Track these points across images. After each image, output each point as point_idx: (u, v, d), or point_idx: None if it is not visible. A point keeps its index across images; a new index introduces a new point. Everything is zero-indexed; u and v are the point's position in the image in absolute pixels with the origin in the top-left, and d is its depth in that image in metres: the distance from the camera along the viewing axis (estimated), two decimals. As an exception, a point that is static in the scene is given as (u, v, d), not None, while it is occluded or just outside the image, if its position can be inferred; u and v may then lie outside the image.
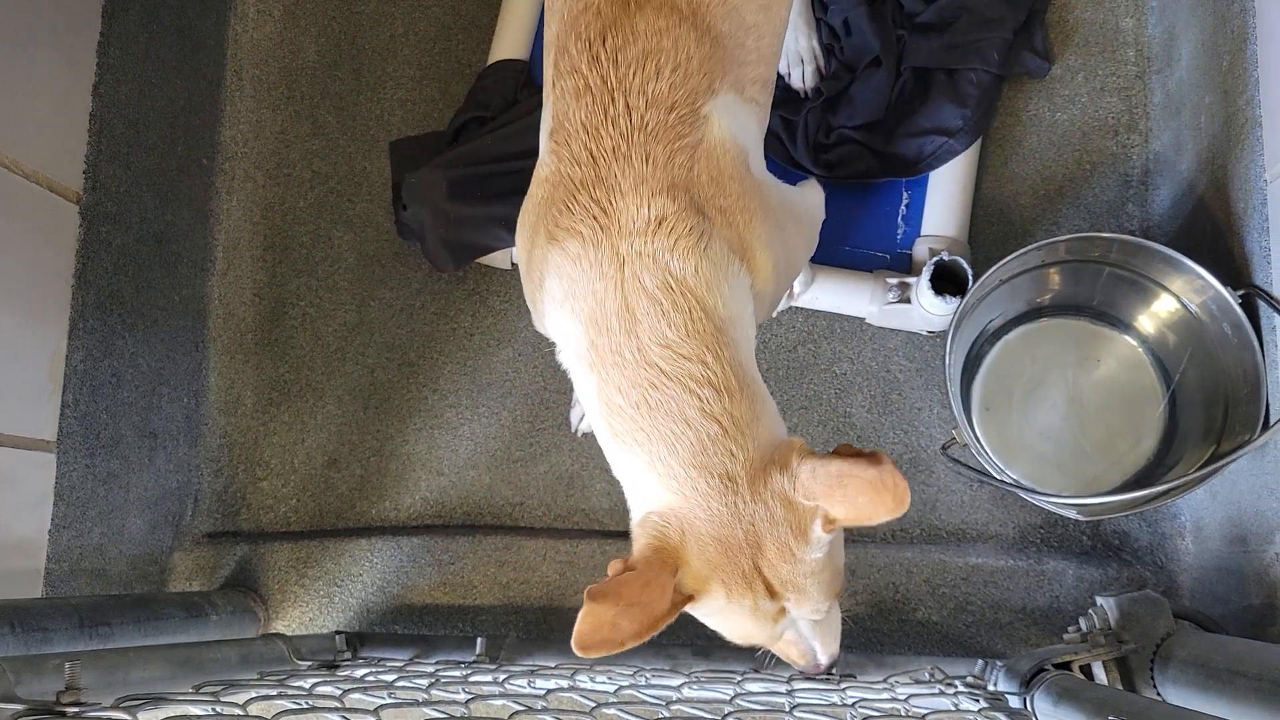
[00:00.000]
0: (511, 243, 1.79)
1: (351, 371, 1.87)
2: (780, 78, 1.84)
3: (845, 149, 1.79)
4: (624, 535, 1.76)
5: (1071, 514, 1.62)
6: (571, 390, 1.82)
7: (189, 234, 1.86)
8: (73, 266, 1.57)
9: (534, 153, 1.85)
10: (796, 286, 1.74)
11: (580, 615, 0.97)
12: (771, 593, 1.07)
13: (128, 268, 1.69)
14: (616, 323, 1.09)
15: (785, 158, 1.81)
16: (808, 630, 1.14)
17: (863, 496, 1.01)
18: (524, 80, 1.88)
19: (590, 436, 1.81)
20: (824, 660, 1.16)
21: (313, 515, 1.83)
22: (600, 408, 1.12)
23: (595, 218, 1.11)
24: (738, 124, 1.20)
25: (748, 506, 1.05)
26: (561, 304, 1.14)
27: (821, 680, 1.43)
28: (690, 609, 1.07)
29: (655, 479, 1.08)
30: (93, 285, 1.61)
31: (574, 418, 1.81)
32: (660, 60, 1.15)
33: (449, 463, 1.83)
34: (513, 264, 1.85)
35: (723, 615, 1.09)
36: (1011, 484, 1.55)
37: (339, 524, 1.83)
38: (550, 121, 1.20)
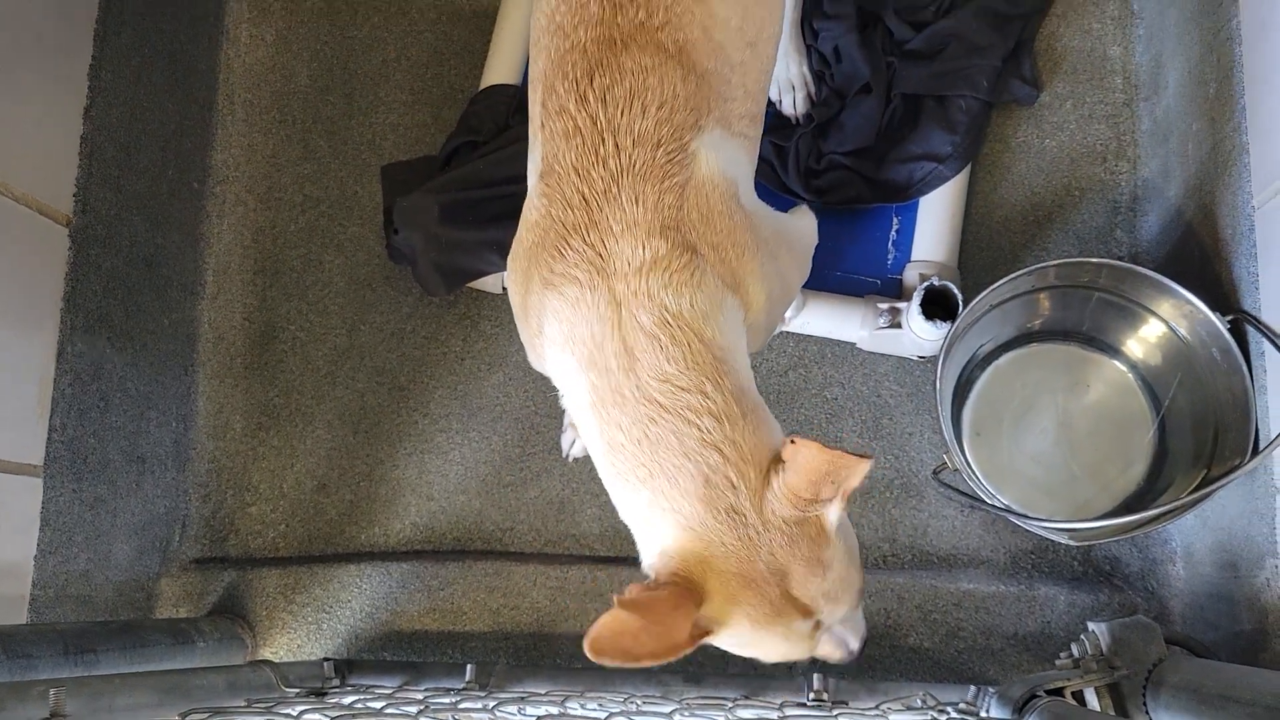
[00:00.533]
0: (502, 267, 1.79)
1: (341, 396, 1.86)
2: (771, 104, 1.86)
3: (836, 175, 1.80)
4: (615, 560, 1.76)
5: (1063, 539, 1.62)
6: (562, 415, 1.82)
7: (179, 257, 1.86)
8: (62, 290, 1.57)
9: (525, 178, 1.85)
10: (788, 312, 1.75)
11: (603, 619, 0.96)
12: (805, 612, 1.07)
13: (117, 291, 1.68)
14: (615, 362, 1.10)
15: (777, 183, 1.82)
16: (839, 627, 1.14)
17: (827, 469, 1.02)
18: (516, 105, 1.89)
19: (581, 461, 1.80)
20: (857, 646, 1.18)
21: (301, 541, 1.82)
22: (603, 448, 1.12)
23: (591, 262, 1.12)
24: (726, 158, 1.21)
25: (762, 536, 1.05)
26: (562, 348, 1.14)
27: (814, 706, 1.42)
28: (713, 641, 1.06)
29: (661, 515, 1.08)
30: (82, 309, 1.60)
31: (565, 443, 1.81)
32: (646, 98, 1.15)
33: (439, 487, 1.82)
34: (504, 288, 1.85)
35: (753, 645, 1.09)
36: (1003, 509, 1.55)
37: (328, 549, 1.81)
38: (540, 164, 1.20)
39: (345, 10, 2.02)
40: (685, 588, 1.03)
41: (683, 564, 1.06)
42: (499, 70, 1.91)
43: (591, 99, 1.16)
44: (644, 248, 1.11)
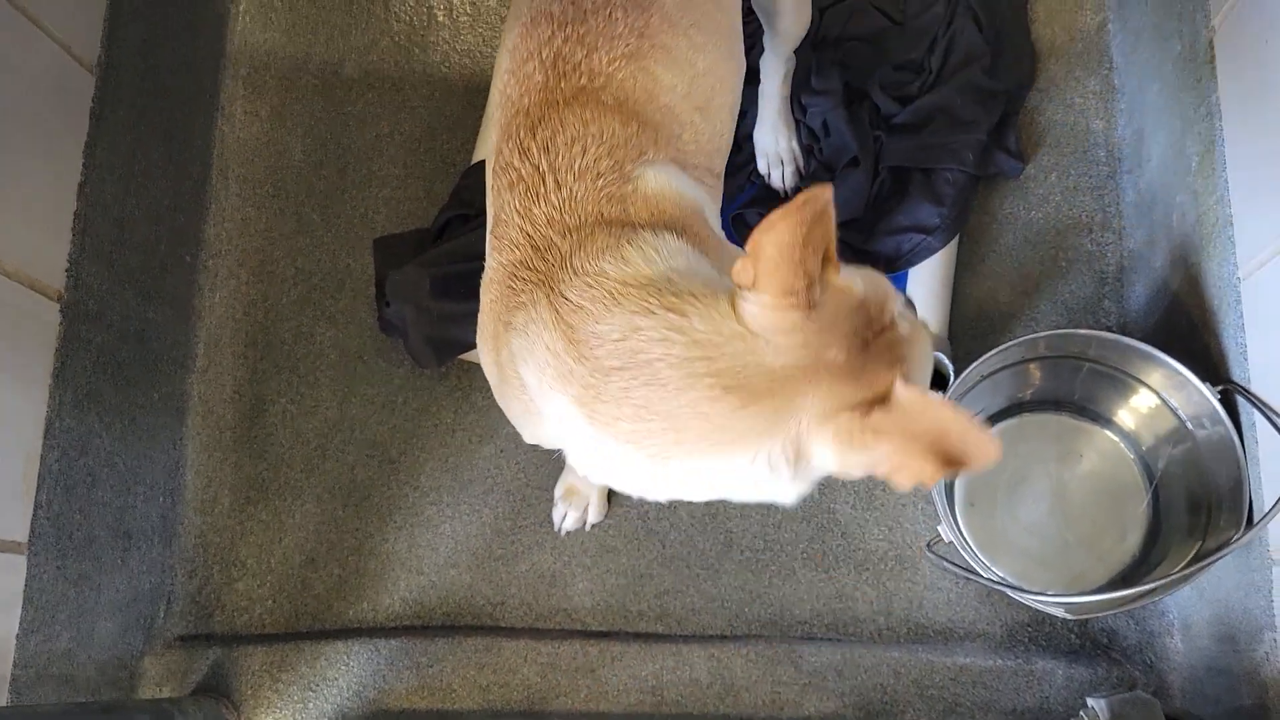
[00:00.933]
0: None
1: (331, 469, 1.85)
2: (760, 177, 1.88)
3: (826, 248, 1.81)
4: (607, 635, 1.74)
5: (1059, 612, 1.60)
6: (553, 487, 1.81)
7: (170, 331, 1.86)
8: (51, 365, 1.56)
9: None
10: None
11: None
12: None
13: (107, 366, 1.68)
14: (570, 358, 1.03)
15: None
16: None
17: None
18: (508, 179, 1.90)
19: (572, 534, 1.79)
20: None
21: (288, 617, 1.79)
22: (641, 458, 1.02)
23: (536, 284, 1.09)
24: (681, 182, 1.20)
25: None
26: (539, 388, 1.08)
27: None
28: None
29: (730, 452, 0.97)
30: (71, 384, 1.59)
31: (556, 517, 1.79)
32: (587, 141, 1.17)
33: (429, 561, 1.80)
34: (495, 360, 1.85)
35: None
36: (998, 582, 1.54)
37: (315, 626, 1.79)
38: (490, 222, 1.22)
39: (339, 86, 2.05)
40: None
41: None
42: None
43: (534, 150, 1.17)
44: (579, 241, 1.09)
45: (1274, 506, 1.35)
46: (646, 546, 1.79)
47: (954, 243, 1.83)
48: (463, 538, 1.81)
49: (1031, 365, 1.68)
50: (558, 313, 1.05)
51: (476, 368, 1.88)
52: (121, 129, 1.74)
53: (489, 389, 1.86)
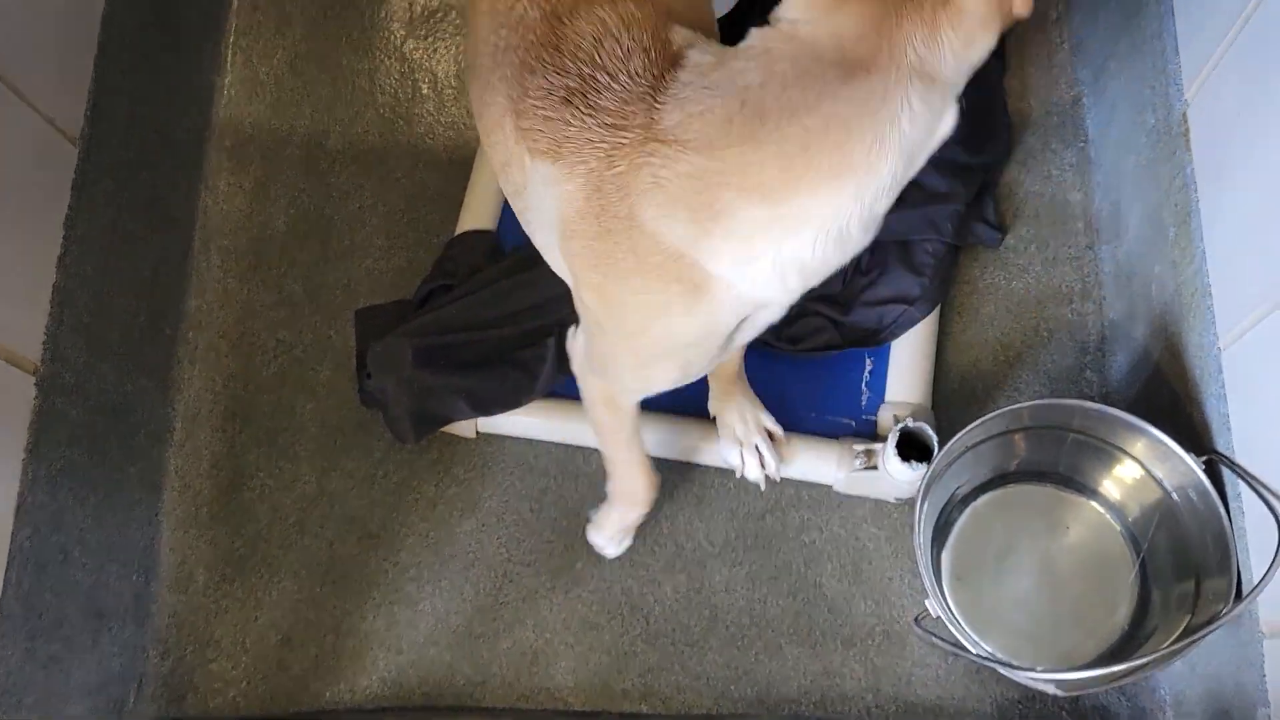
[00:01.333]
0: (473, 414, 1.79)
1: (310, 545, 1.82)
2: None
3: (807, 321, 1.82)
4: (591, 715, 1.70)
5: (1050, 689, 1.58)
6: (535, 560, 1.78)
7: (148, 404, 1.84)
8: (25, 440, 1.53)
9: (499, 322, 1.87)
10: (769, 462, 1.73)
11: None
12: None
13: (83, 440, 1.65)
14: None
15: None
16: None
17: None
18: (491, 249, 1.91)
19: (557, 607, 1.75)
20: None
21: (264, 699, 1.75)
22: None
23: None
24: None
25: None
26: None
27: None
28: None
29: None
30: (45, 459, 1.57)
31: (599, 539, 1.75)
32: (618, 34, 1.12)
33: (408, 639, 1.76)
34: (477, 433, 1.84)
35: None
36: (987, 658, 1.51)
37: (291, 708, 1.74)
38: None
39: (324, 159, 2.06)
40: None
41: None
42: (475, 215, 1.94)
43: (568, 63, 1.13)
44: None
45: (1263, 579, 1.34)
46: (630, 623, 1.76)
47: (935, 313, 1.84)
48: (443, 615, 1.77)
49: (1016, 436, 1.68)
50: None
51: (459, 441, 1.86)
52: (103, 201, 1.74)
53: (470, 462, 1.86)
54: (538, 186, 1.16)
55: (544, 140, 1.12)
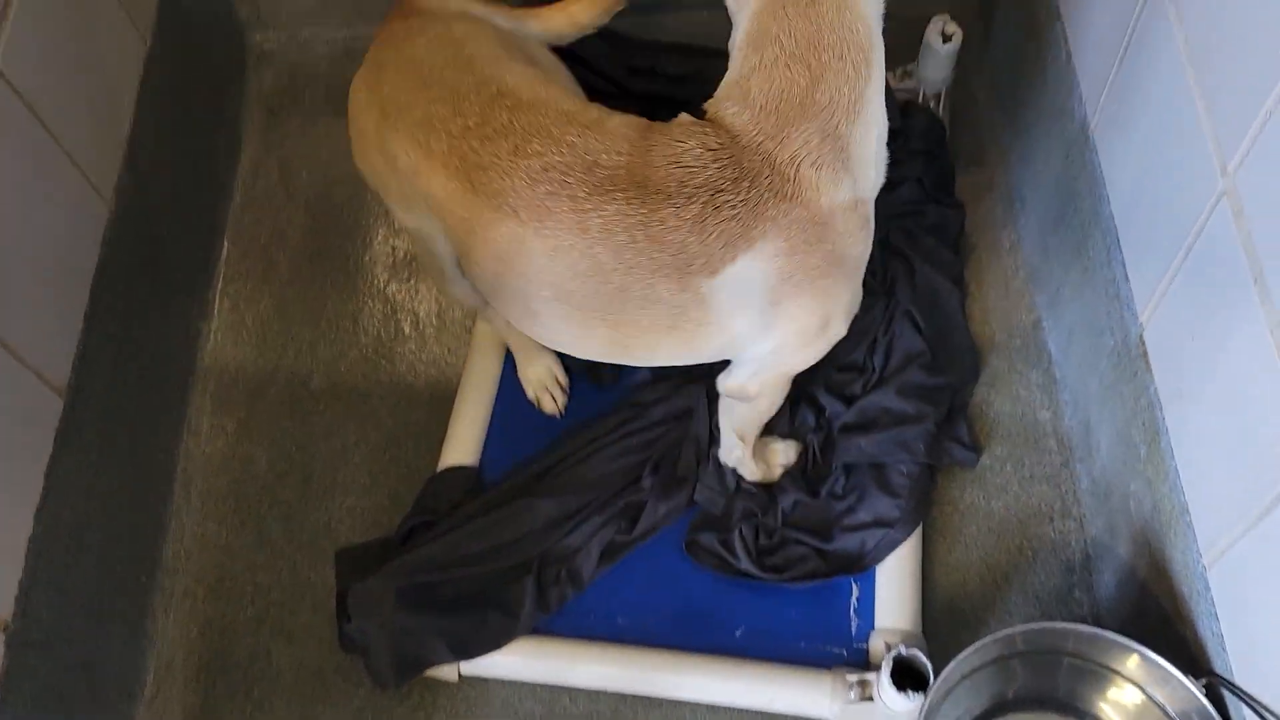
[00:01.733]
0: (453, 659, 1.74)
1: (284, 804, 1.73)
2: (698, 502, 1.88)
3: (790, 550, 1.81)
4: None
5: None
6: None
7: (119, 657, 1.78)
8: (-11, 702, 1.48)
9: (480, 558, 1.84)
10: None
11: None
12: None
13: (48, 697, 1.59)
14: None
15: (731, 571, 1.80)
16: None
17: None
18: (471, 485, 1.91)
19: None
20: None
21: None
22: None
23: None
24: None
25: None
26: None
27: None
28: None
29: None
30: (10, 718, 1.50)
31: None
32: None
33: None
34: (460, 676, 1.78)
35: None
36: None
37: None
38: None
39: (307, 398, 2.09)
40: None
41: None
42: (456, 452, 1.95)
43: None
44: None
45: (1279, 810, 1.29)
46: None
47: (918, 537, 1.84)
48: None
49: (1012, 661, 1.64)
50: None
51: (440, 684, 1.80)
52: (85, 450, 1.74)
53: (452, 706, 1.79)
54: (733, 288, 1.28)
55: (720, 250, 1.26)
